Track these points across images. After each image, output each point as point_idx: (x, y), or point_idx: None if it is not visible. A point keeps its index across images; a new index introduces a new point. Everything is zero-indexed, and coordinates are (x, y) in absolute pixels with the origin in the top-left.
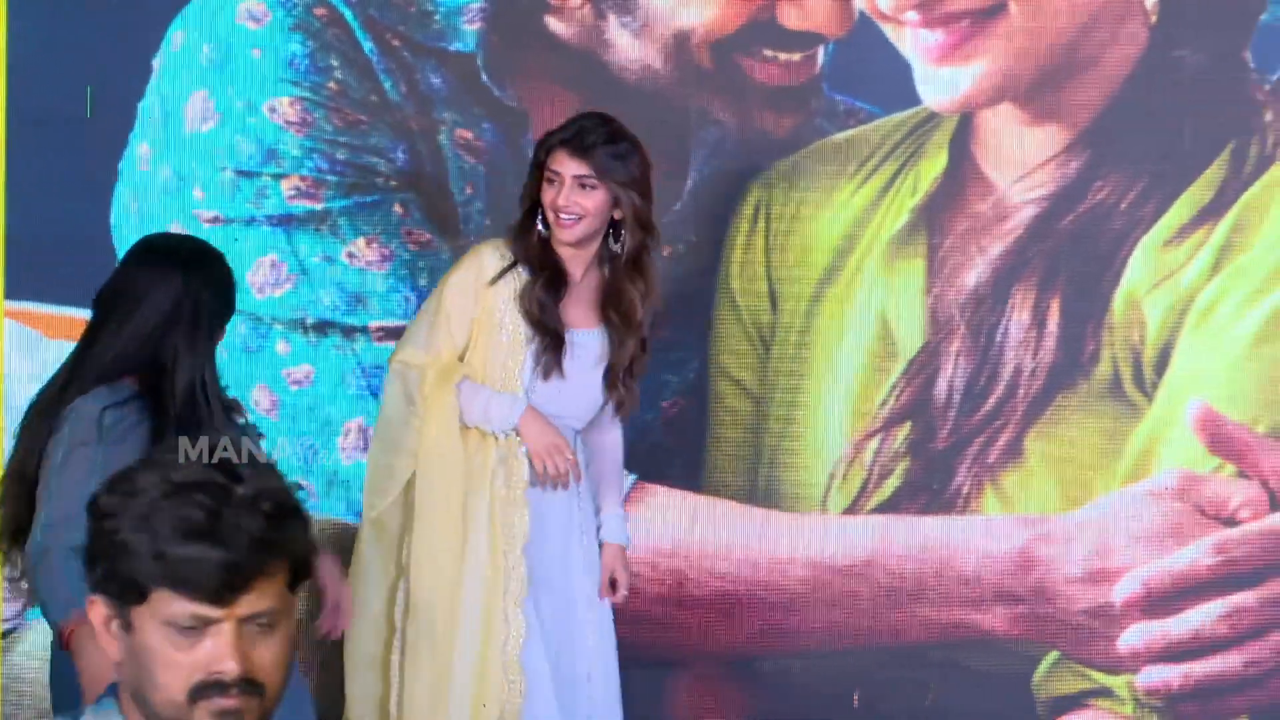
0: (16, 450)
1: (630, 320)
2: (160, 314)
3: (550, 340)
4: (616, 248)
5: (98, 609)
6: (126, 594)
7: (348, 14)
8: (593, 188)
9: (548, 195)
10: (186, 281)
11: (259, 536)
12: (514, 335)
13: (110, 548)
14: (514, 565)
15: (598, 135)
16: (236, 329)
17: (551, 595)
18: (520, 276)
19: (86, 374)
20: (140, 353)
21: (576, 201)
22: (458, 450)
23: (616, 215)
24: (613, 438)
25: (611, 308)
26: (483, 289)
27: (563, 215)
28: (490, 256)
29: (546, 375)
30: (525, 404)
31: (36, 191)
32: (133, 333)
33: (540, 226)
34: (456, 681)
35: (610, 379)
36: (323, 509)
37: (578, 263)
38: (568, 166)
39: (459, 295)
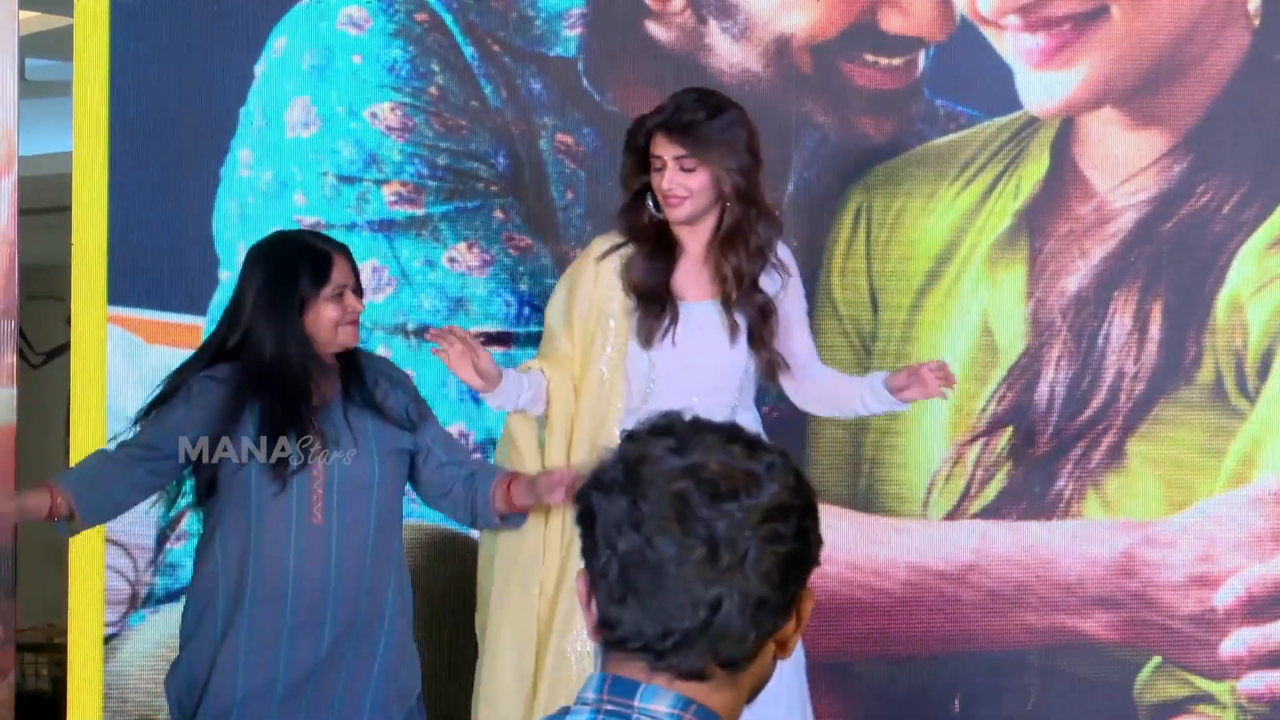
0: None
1: (730, 292)
2: (236, 305)
3: (649, 306)
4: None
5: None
6: None
7: (448, 20)
8: (692, 169)
9: (655, 180)
10: (249, 275)
11: None
12: (622, 311)
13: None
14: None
15: (694, 113)
16: None
17: None
18: (628, 254)
19: (199, 356)
20: (226, 343)
21: (681, 183)
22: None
23: (726, 189)
24: (815, 378)
25: (717, 280)
26: (588, 273)
27: (669, 197)
28: (599, 243)
29: (647, 342)
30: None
31: (139, 197)
32: (223, 323)
33: (652, 208)
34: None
35: (752, 343)
36: (427, 515)
37: (695, 238)
38: (667, 149)
39: (560, 295)
